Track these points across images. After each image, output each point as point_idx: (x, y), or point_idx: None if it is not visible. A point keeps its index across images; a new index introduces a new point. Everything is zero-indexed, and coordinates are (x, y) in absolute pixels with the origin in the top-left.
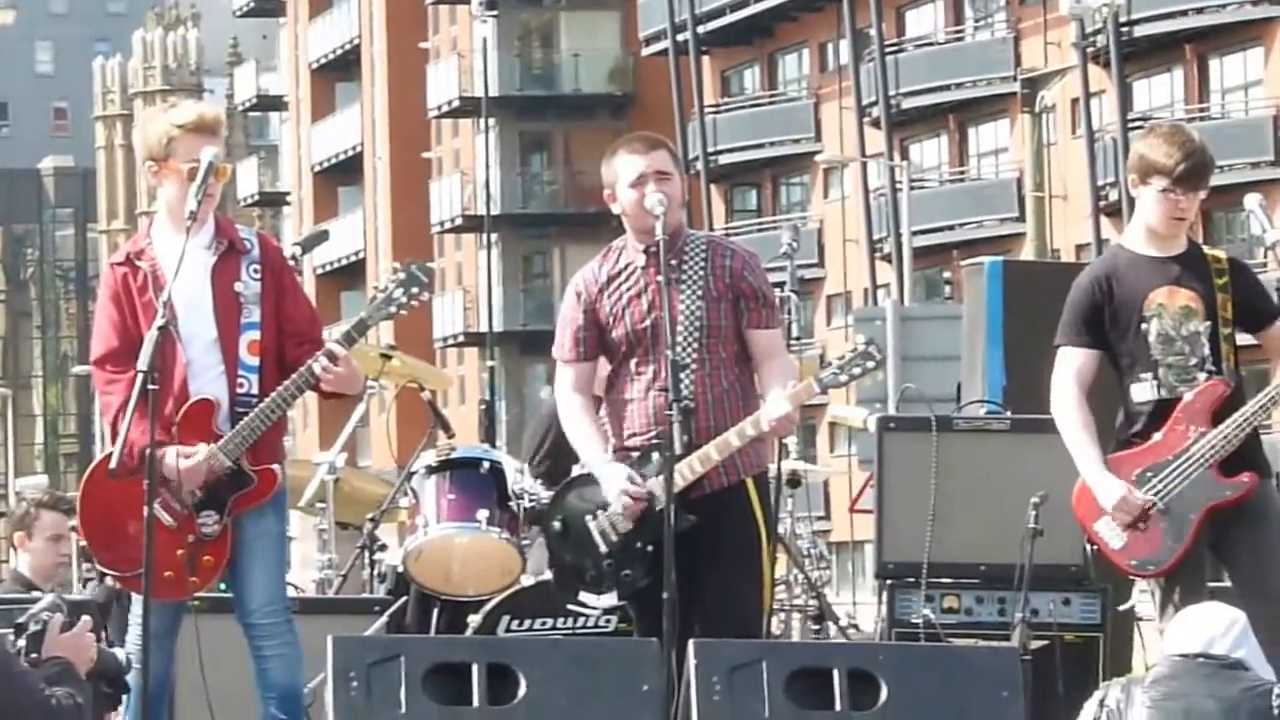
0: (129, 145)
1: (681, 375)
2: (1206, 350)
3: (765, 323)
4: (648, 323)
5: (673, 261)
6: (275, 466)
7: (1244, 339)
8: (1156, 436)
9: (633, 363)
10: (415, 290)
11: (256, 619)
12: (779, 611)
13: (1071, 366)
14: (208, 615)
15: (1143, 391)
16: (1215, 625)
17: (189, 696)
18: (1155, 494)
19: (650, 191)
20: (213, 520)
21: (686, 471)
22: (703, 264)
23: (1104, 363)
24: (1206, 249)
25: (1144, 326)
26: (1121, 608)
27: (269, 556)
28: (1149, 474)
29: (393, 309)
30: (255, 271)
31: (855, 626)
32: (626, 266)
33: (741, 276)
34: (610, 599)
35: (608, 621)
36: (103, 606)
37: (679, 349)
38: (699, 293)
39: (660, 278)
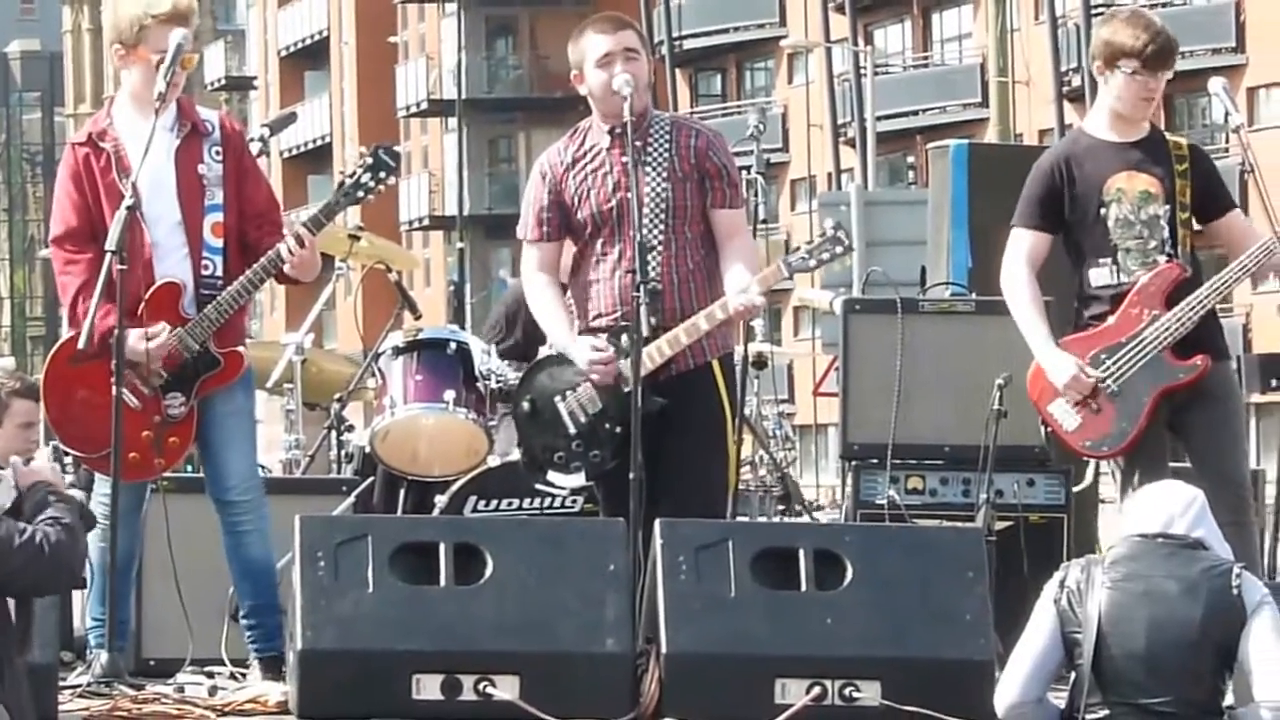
0: (96, 29)
1: (648, 256)
2: (1166, 234)
3: (729, 202)
4: (613, 203)
5: (638, 143)
6: (241, 349)
7: None
8: (1111, 320)
9: (599, 244)
10: (383, 174)
11: (235, 495)
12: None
13: (1022, 247)
14: (175, 495)
15: (1102, 276)
16: (1174, 505)
17: (155, 576)
18: (1109, 376)
19: (617, 72)
20: (178, 402)
21: (655, 354)
22: (668, 144)
23: (1059, 250)
24: (1169, 135)
25: (1103, 211)
26: (1076, 488)
27: (242, 433)
28: (1103, 356)
29: (360, 194)
30: (217, 153)
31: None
32: (592, 147)
33: (706, 155)
34: (578, 479)
35: (574, 502)
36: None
37: (645, 230)
38: (664, 173)
39: (626, 159)
